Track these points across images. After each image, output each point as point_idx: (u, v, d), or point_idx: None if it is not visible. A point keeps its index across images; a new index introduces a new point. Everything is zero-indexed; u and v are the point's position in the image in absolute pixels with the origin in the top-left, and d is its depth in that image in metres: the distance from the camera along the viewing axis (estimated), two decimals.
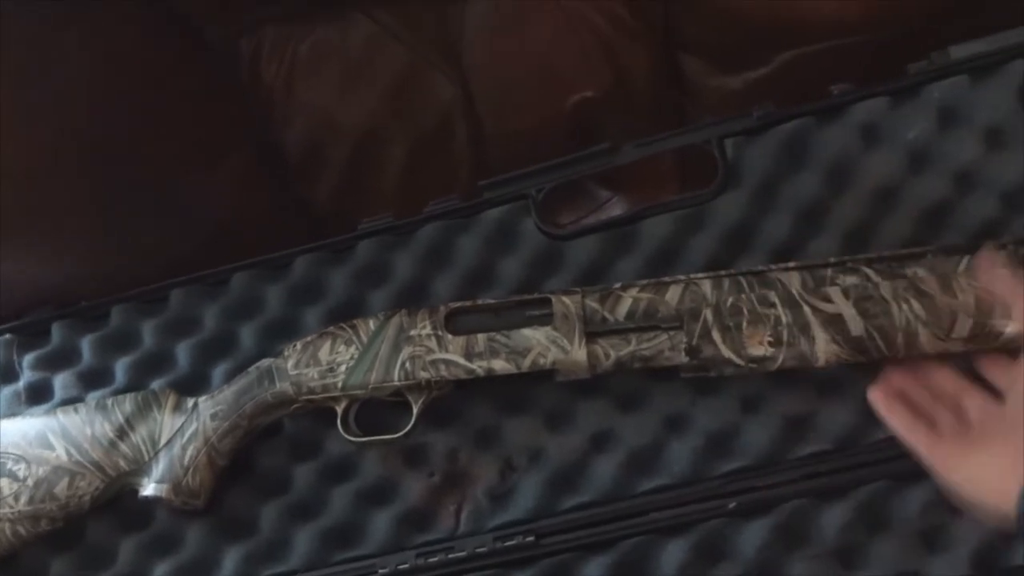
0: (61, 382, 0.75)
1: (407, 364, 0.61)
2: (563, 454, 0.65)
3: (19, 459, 0.66)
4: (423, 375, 0.61)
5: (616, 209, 0.82)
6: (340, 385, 0.62)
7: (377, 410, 0.65)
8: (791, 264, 0.58)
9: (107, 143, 0.71)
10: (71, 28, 0.65)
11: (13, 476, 0.66)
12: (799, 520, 0.60)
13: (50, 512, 0.66)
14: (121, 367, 0.74)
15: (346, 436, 0.64)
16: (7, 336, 0.78)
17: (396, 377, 0.61)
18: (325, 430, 0.69)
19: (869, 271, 0.56)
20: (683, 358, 0.57)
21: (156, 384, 0.72)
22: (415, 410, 0.63)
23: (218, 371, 0.72)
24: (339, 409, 0.64)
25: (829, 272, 0.57)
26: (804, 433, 0.61)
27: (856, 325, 0.55)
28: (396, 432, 0.64)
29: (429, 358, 0.61)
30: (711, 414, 0.63)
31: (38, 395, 0.76)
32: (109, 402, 0.68)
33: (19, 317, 0.78)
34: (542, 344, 0.59)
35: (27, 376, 0.76)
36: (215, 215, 0.80)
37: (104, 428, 0.67)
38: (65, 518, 0.67)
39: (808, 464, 0.61)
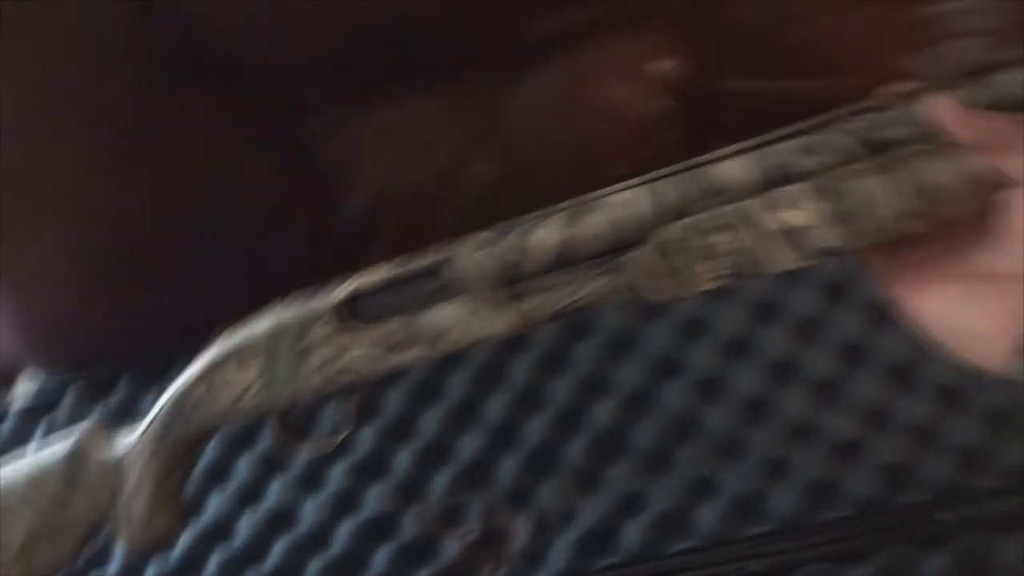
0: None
1: (319, 372, 0.54)
2: (593, 515, 0.66)
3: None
4: (341, 380, 0.54)
5: None
6: (257, 407, 0.56)
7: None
8: (747, 144, 0.47)
9: (181, 213, 0.78)
10: (156, 109, 0.72)
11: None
12: None
13: (72, 554, 0.62)
14: None
15: (286, 445, 0.60)
16: (78, 384, 0.83)
17: (313, 387, 0.55)
18: (367, 486, 0.73)
19: (847, 141, 0.45)
20: (626, 303, 0.52)
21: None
22: (349, 410, 0.58)
23: None
24: (271, 422, 0.59)
25: (793, 154, 0.46)
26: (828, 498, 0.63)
27: (830, 235, 0.44)
28: (336, 436, 0.61)
29: (340, 363, 0.54)
30: (736, 478, 0.65)
31: None
32: (40, 465, 0.63)
33: (90, 366, 0.82)
34: (462, 320, 0.51)
35: None
36: (276, 278, 0.85)
37: (52, 493, 0.62)
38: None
39: (831, 529, 0.61)
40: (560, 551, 0.67)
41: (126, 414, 0.81)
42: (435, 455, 0.73)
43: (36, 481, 0.62)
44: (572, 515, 0.68)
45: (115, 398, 0.82)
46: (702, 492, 0.65)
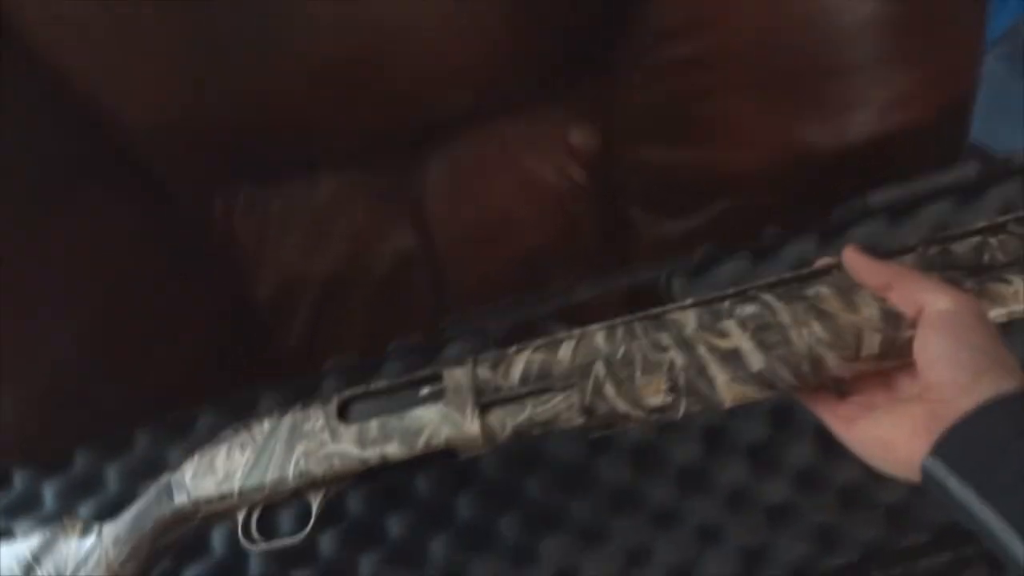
0: (23, 530, 0.74)
1: (301, 461, 0.58)
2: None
3: None
4: (317, 471, 0.58)
5: None
6: (236, 491, 0.59)
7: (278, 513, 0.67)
8: (688, 302, 0.55)
9: (82, 308, 0.74)
10: (52, 206, 0.69)
11: None
12: None
13: None
14: (85, 513, 0.74)
15: (246, 545, 0.61)
16: None
17: (291, 476, 0.58)
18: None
19: (769, 297, 0.53)
20: (579, 419, 0.54)
21: None
22: (314, 509, 0.60)
23: None
24: (239, 517, 0.61)
25: (727, 304, 0.53)
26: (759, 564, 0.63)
27: (756, 359, 0.51)
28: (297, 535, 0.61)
29: (322, 452, 0.58)
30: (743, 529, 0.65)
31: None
32: (19, 538, 0.65)
33: None
34: (434, 422, 0.56)
35: None
36: (185, 369, 0.82)
37: (12, 567, 0.64)
38: None
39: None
40: None
41: (23, 510, 0.75)
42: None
43: (12, 547, 0.64)
44: None
45: (12, 493, 0.76)
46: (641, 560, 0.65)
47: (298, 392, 0.73)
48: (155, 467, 0.74)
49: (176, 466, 0.62)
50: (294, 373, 0.75)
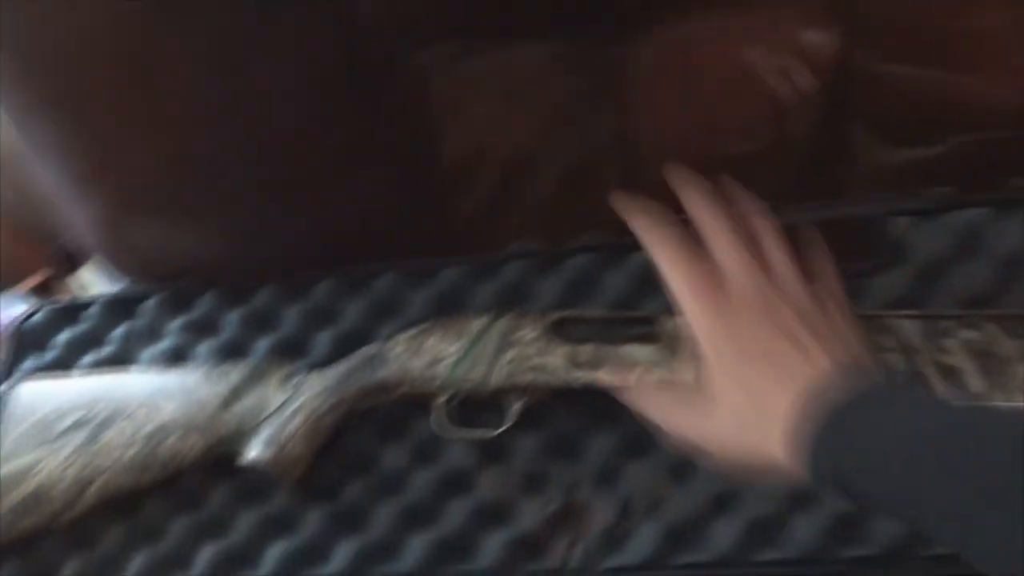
0: (203, 350, 0.78)
1: (509, 366, 0.62)
2: (684, 509, 0.64)
3: (132, 414, 0.68)
4: (523, 379, 0.61)
5: None
6: (441, 378, 0.64)
7: (474, 408, 0.66)
8: (909, 311, 0.56)
9: (278, 141, 0.74)
10: (267, 32, 0.67)
11: (121, 430, 0.68)
12: None
13: (151, 468, 0.68)
14: (262, 346, 0.77)
15: (436, 429, 0.66)
16: (157, 298, 0.82)
17: (496, 378, 0.62)
18: (447, 440, 0.70)
19: (993, 327, 0.53)
20: None
21: None
22: (511, 412, 0.64)
23: None
24: (436, 401, 0.65)
25: (950, 324, 0.54)
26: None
27: (976, 382, 0.52)
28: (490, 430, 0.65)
29: (531, 363, 0.61)
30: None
31: (178, 359, 0.79)
32: (223, 368, 0.71)
33: (172, 279, 0.82)
34: (648, 361, 0.59)
35: (170, 339, 0.80)
36: (362, 216, 0.82)
37: (214, 392, 0.69)
38: (163, 477, 0.69)
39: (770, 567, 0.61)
40: (644, 539, 0.65)
41: (205, 330, 0.79)
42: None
43: (197, 382, 0.69)
44: (660, 505, 0.65)
45: (196, 313, 0.80)
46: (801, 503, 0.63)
47: (479, 270, 0.74)
48: (330, 316, 0.77)
49: (379, 336, 0.67)
50: (476, 249, 0.75)
